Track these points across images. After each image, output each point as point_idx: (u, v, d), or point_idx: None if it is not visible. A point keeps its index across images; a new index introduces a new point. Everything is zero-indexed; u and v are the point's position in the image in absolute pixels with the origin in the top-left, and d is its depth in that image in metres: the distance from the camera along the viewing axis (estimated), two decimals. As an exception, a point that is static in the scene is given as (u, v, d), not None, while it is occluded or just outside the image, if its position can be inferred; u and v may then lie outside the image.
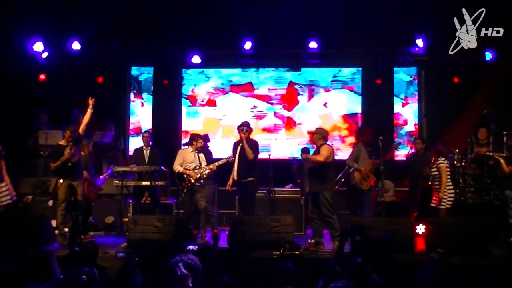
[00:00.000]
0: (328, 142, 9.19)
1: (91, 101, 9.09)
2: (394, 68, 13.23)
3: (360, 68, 13.28)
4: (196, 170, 9.49)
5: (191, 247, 6.82)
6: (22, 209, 10.50)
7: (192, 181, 9.45)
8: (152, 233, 8.15)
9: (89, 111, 9.09)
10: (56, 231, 9.47)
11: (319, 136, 9.06)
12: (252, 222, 8.43)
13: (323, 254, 8.16)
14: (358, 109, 13.26)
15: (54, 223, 9.84)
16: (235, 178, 9.18)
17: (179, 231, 8.10)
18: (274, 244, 8.02)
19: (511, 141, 9.61)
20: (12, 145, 10.47)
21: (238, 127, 9.40)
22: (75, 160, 9.00)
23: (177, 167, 9.61)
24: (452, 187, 9.12)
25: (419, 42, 11.83)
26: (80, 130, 9.14)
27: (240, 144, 9.14)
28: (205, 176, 9.58)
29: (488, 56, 11.44)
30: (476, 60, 11.71)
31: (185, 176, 9.51)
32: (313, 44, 11.98)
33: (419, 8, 11.56)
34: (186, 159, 9.64)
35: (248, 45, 12.11)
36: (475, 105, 12.07)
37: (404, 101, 13.27)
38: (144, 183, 10.06)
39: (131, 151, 12.35)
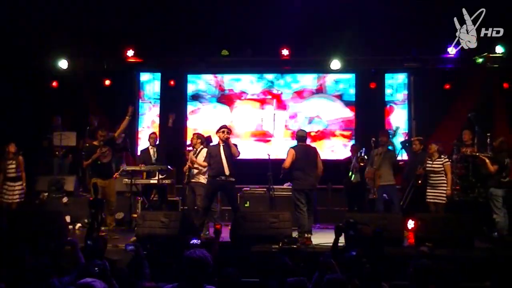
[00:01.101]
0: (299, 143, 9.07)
1: (130, 109, 9.20)
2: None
3: (354, 74, 13.33)
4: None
5: (194, 241, 6.84)
6: (38, 205, 10.54)
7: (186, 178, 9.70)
8: (159, 228, 8.17)
9: (128, 118, 9.23)
10: (70, 226, 9.55)
11: (296, 138, 9.13)
12: (252, 218, 8.45)
13: (319, 248, 8.17)
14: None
15: (68, 218, 9.92)
16: (227, 173, 8.77)
17: (184, 226, 8.12)
18: (273, 239, 8.03)
19: (494, 142, 9.59)
20: (29, 146, 10.53)
21: (218, 130, 8.97)
22: (106, 160, 9.05)
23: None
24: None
25: (410, 50, 11.90)
26: (116, 134, 9.28)
27: (222, 145, 8.81)
28: (195, 172, 9.59)
29: (477, 60, 11.48)
30: (460, 67, 11.77)
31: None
32: (310, 52, 12.06)
33: (409, 18, 11.56)
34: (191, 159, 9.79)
35: (248, 52, 12.18)
36: (460, 109, 12.11)
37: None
38: (152, 181, 10.12)
39: (139, 151, 12.41)
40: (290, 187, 10.75)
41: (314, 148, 9.29)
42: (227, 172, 8.72)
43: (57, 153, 11.61)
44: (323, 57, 12.44)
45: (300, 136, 9.07)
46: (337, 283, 4.38)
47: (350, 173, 10.34)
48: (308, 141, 12.50)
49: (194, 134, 10.25)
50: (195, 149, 9.79)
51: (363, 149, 10.19)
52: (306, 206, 8.76)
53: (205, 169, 9.44)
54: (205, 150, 9.56)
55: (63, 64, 12.07)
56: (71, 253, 5.49)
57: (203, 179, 9.55)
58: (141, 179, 10.29)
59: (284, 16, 11.80)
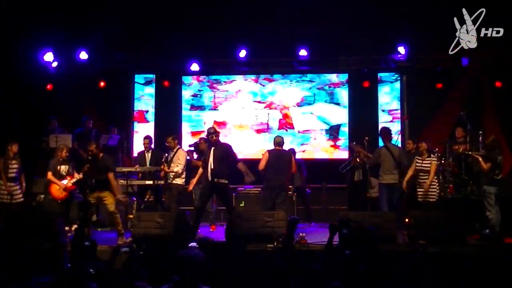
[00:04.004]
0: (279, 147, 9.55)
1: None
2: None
3: (347, 74, 13.34)
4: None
5: (192, 244, 6.85)
6: (35, 207, 10.49)
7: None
8: (154, 229, 8.16)
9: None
10: (66, 228, 9.50)
11: (273, 143, 9.64)
12: (247, 217, 8.45)
13: (313, 246, 8.15)
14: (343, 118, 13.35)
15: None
16: (209, 178, 8.77)
17: (179, 226, 8.11)
18: (268, 238, 8.04)
19: (486, 140, 9.62)
20: (27, 148, 10.46)
21: (207, 134, 9.09)
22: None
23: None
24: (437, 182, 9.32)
25: (401, 50, 11.92)
26: None
27: (213, 147, 8.85)
28: (171, 175, 9.74)
29: (464, 62, 11.49)
30: (452, 66, 11.79)
31: None
32: (303, 52, 12.06)
33: (401, 18, 11.57)
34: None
35: (242, 53, 12.18)
36: (452, 108, 12.15)
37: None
38: (147, 182, 10.11)
39: (135, 152, 12.42)
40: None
41: (289, 153, 9.79)
42: (209, 177, 8.70)
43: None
44: (316, 57, 12.47)
45: (277, 142, 9.58)
46: None
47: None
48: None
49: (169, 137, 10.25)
50: (172, 151, 9.93)
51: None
52: (271, 205, 9.19)
53: (180, 171, 9.71)
54: (180, 150, 9.95)
55: (48, 57, 12.05)
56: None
57: (179, 180, 9.80)
58: (136, 180, 10.28)
59: (278, 18, 11.83)
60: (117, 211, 8.97)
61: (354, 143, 10.23)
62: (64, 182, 9.44)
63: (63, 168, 9.56)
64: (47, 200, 10.36)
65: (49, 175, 9.53)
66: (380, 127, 13.01)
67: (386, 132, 9.95)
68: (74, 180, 9.50)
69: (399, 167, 9.49)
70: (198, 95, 13.69)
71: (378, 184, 9.75)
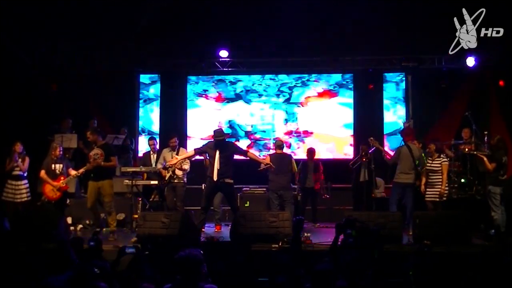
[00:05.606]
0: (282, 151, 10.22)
1: None
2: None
3: (352, 74, 13.34)
4: (169, 169, 9.80)
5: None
6: (40, 206, 10.52)
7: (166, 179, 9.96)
8: (159, 228, 8.16)
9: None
10: (72, 228, 9.55)
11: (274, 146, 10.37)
12: (252, 217, 8.45)
13: (318, 247, 8.16)
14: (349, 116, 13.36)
15: (69, 220, 9.94)
16: (215, 178, 8.69)
17: (184, 226, 8.12)
18: (273, 238, 8.05)
19: (491, 140, 9.60)
20: (34, 147, 10.52)
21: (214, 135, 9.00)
22: (97, 163, 8.91)
23: (157, 166, 10.15)
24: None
25: (406, 50, 11.93)
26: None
27: (219, 148, 8.72)
28: (179, 174, 9.87)
29: (471, 63, 11.49)
30: (457, 66, 11.78)
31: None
32: (308, 52, 12.10)
33: (405, 17, 11.57)
34: (166, 159, 9.98)
35: (247, 53, 12.23)
36: (457, 108, 12.14)
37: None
38: (152, 182, 10.14)
39: (140, 152, 12.45)
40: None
41: (288, 156, 10.35)
42: (215, 177, 8.64)
43: (67, 155, 11.57)
44: (322, 57, 12.50)
45: (278, 145, 10.24)
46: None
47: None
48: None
49: (173, 136, 10.35)
50: (174, 151, 10.06)
51: (373, 148, 10.23)
52: (278, 205, 9.88)
53: (189, 169, 9.94)
54: (181, 149, 10.16)
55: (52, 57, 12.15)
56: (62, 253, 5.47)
57: (185, 178, 10.01)
58: (141, 180, 10.32)
59: (284, 17, 11.82)
60: (114, 210, 9.21)
61: (372, 138, 10.19)
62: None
63: (58, 167, 9.52)
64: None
65: (42, 173, 9.48)
66: (385, 127, 13.15)
67: (410, 131, 10.02)
68: (68, 179, 9.54)
69: (416, 168, 9.49)
70: (203, 95, 13.71)
71: (392, 182, 9.73)
